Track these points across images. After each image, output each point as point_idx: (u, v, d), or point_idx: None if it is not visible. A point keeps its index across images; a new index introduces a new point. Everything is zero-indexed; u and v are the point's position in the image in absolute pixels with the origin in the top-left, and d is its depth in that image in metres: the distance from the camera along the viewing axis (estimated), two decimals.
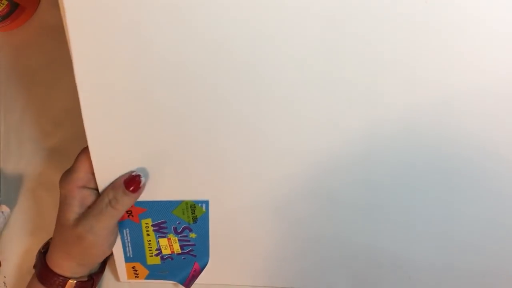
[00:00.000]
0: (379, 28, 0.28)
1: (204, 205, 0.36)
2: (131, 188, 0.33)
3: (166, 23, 0.28)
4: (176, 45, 0.28)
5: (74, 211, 0.34)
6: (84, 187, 0.35)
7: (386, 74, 0.30)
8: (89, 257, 0.36)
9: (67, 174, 0.35)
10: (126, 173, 0.34)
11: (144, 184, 0.34)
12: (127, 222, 0.37)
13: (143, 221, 0.37)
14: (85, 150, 0.35)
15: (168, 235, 0.38)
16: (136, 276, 0.41)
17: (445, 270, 0.38)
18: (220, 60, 0.29)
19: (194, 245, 0.38)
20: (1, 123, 0.49)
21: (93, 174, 0.34)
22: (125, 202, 0.34)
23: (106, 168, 0.34)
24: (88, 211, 0.34)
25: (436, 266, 0.38)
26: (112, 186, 0.34)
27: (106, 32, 0.28)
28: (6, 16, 0.49)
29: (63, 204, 0.35)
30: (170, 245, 0.38)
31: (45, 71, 0.49)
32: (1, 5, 0.47)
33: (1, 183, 0.48)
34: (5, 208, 0.46)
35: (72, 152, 0.48)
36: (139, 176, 0.33)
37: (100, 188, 0.35)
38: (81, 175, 0.34)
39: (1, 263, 0.46)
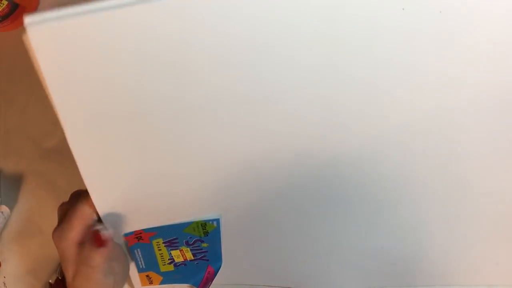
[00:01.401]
0: (388, 34, 0.28)
1: (215, 222, 0.36)
2: (96, 244, 0.31)
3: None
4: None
5: (71, 267, 0.33)
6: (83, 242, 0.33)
7: (391, 79, 0.30)
8: None
9: (62, 232, 0.33)
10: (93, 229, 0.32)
11: (110, 235, 0.32)
12: (138, 244, 0.37)
13: (154, 241, 0.37)
14: (75, 205, 0.33)
15: (180, 247, 0.38)
16: (151, 283, 0.41)
17: (458, 260, 0.39)
18: (214, 86, 0.28)
19: (206, 252, 0.38)
20: (1, 123, 0.49)
21: (88, 226, 0.33)
22: (96, 258, 0.32)
23: (111, 208, 0.33)
24: (76, 272, 0.33)
25: (450, 257, 0.38)
26: (83, 244, 0.32)
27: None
28: (6, 16, 0.49)
29: (62, 260, 0.34)
30: (182, 254, 0.38)
31: None
32: (1, 5, 0.47)
33: (1, 183, 0.47)
34: (4, 209, 0.46)
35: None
36: (97, 231, 0.31)
37: (106, 220, 0.34)
38: (75, 232, 0.32)
39: (1, 263, 0.46)
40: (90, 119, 0.29)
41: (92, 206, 0.32)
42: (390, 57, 0.28)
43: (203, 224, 0.36)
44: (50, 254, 0.45)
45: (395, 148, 0.33)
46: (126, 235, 0.35)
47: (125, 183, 0.32)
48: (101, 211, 0.32)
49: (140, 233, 0.36)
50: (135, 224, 0.35)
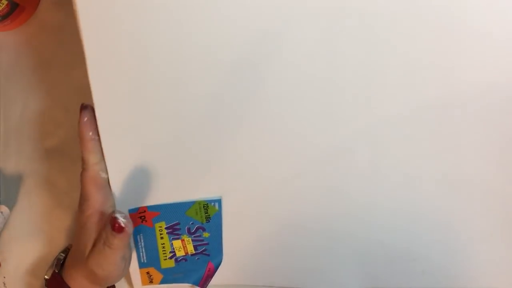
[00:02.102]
0: (380, 27, 0.28)
1: (216, 204, 0.36)
2: (115, 228, 0.32)
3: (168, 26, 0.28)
4: (181, 43, 0.28)
5: (92, 238, 0.34)
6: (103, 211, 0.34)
7: (386, 73, 0.30)
8: (105, 283, 0.36)
9: (81, 203, 0.34)
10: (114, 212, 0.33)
11: (127, 224, 0.32)
12: (141, 227, 0.37)
13: (157, 225, 0.37)
14: (82, 173, 0.34)
15: (182, 236, 0.38)
16: (151, 282, 0.41)
17: (459, 262, 0.38)
18: (222, 61, 0.29)
19: (207, 244, 0.38)
20: (1, 123, 0.49)
21: (101, 186, 0.34)
22: (116, 242, 0.32)
23: (120, 171, 0.34)
24: (94, 247, 0.34)
25: (450, 259, 0.38)
26: (105, 225, 0.33)
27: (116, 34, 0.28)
28: (6, 16, 0.49)
29: (82, 233, 0.34)
30: (184, 246, 0.38)
31: (45, 71, 0.49)
32: (1, 5, 0.47)
33: (1, 183, 0.47)
34: (4, 209, 0.46)
35: (72, 152, 0.48)
36: (115, 218, 0.32)
37: (115, 193, 0.35)
38: (92, 198, 0.34)
39: (1, 264, 0.45)
40: (114, 55, 0.29)
41: (95, 165, 0.33)
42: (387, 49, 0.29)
43: (205, 206, 0.36)
44: (50, 254, 0.45)
45: (394, 143, 0.33)
46: (130, 211, 0.36)
47: (139, 141, 0.33)
48: (113, 174, 0.34)
49: (144, 211, 0.36)
50: (141, 198, 0.35)
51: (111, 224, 0.32)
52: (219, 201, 0.36)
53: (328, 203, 0.36)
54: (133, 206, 0.36)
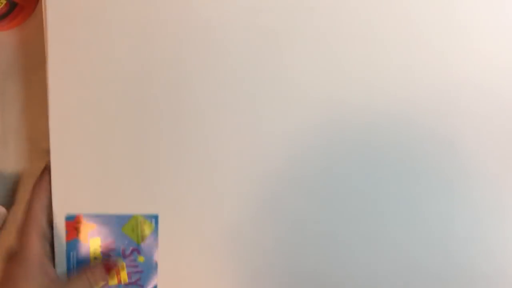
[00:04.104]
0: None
1: (153, 220, 0.35)
2: (108, 271, 0.35)
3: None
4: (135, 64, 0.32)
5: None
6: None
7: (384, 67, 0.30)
8: None
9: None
10: (104, 259, 0.35)
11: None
12: (75, 242, 0.36)
13: (92, 241, 0.36)
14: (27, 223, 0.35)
15: (116, 260, 0.37)
16: None
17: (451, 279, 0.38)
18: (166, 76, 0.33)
19: (141, 272, 0.37)
20: (0, 123, 0.49)
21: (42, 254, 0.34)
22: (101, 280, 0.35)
23: (63, 171, 0.35)
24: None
25: (441, 276, 0.37)
26: (92, 270, 0.35)
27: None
28: (5, 15, 0.49)
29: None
30: (117, 273, 0.37)
31: (45, 70, 0.49)
32: (0, 4, 0.47)
33: None
34: (1, 209, 0.46)
35: None
36: (115, 262, 0.35)
37: (55, 192, 0.36)
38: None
39: None
40: (75, 69, 0.34)
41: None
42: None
43: (142, 222, 0.35)
44: None
45: (375, 164, 0.34)
46: (68, 219, 0.35)
47: (83, 143, 0.35)
48: (56, 174, 0.35)
49: (80, 221, 0.35)
50: (79, 204, 0.36)
51: (109, 265, 0.35)
52: (156, 217, 0.35)
53: (276, 230, 0.35)
54: (71, 212, 0.35)
